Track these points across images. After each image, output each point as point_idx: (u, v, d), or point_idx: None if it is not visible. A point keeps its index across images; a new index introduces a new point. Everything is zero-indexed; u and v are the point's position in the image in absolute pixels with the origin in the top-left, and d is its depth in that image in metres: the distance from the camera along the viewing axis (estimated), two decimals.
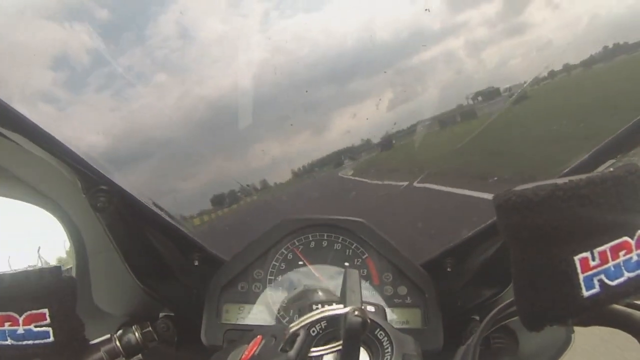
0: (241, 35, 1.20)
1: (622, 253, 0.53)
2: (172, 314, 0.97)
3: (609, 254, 0.53)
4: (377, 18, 1.20)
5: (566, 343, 0.93)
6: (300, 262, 0.99)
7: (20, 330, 0.71)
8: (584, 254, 0.53)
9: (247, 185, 1.25)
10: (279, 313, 0.95)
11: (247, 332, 0.81)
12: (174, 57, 1.18)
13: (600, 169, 0.79)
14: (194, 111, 1.21)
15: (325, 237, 1.01)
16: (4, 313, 0.70)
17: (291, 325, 0.62)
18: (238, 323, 0.94)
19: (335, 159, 1.39)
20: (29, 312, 0.71)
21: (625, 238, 0.53)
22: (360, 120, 1.27)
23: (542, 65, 1.19)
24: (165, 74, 1.20)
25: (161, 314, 0.96)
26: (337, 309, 0.62)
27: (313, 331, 0.65)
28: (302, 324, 0.62)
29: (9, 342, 0.70)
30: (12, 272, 0.72)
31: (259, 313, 0.95)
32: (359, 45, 1.24)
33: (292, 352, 0.59)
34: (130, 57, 1.17)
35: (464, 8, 1.23)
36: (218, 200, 1.28)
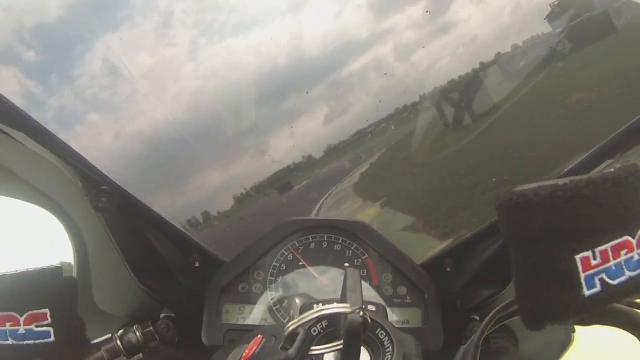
0: (171, 65, 1.21)
1: (623, 252, 0.53)
2: (173, 315, 0.97)
3: (610, 253, 0.53)
4: (305, 34, 1.21)
5: (566, 343, 0.93)
6: (301, 263, 0.99)
7: (21, 330, 0.71)
8: (585, 253, 0.53)
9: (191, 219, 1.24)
10: (279, 313, 0.95)
11: (248, 332, 0.82)
12: (104, 95, 1.19)
13: (599, 168, 0.79)
14: (130, 149, 1.21)
15: (325, 238, 1.01)
16: (5, 313, 0.70)
17: (291, 322, 0.62)
18: (238, 323, 0.94)
19: (281, 180, 1.38)
20: (30, 312, 0.71)
21: (627, 237, 0.53)
22: (298, 138, 1.28)
23: (470, 62, 1.21)
24: (97, 113, 1.20)
25: (162, 314, 0.96)
26: (337, 307, 0.62)
27: (314, 330, 0.66)
28: (302, 321, 0.62)
29: (9, 341, 0.71)
30: (13, 272, 0.72)
31: (259, 313, 0.96)
32: (289, 63, 1.25)
33: (292, 350, 0.59)
34: (60, 97, 1.17)
35: (389, 13, 1.24)
36: None
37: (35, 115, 0.70)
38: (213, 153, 1.24)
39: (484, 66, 1.21)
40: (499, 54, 1.24)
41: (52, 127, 0.73)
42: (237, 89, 1.24)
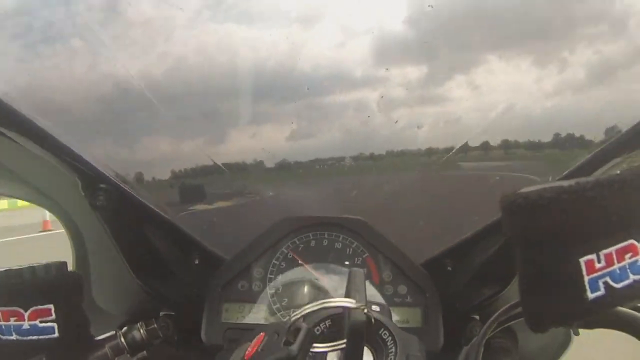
0: (167, 25, 1.20)
1: (628, 256, 0.53)
2: (172, 313, 0.97)
3: (614, 256, 0.53)
4: (304, 48, 1.20)
5: (565, 343, 0.93)
6: (300, 261, 0.99)
7: (26, 325, 0.71)
8: (590, 256, 0.53)
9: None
10: (279, 312, 0.95)
11: (249, 331, 0.81)
12: (94, 27, 1.17)
13: (604, 169, 0.79)
14: (99, 86, 1.20)
15: (326, 236, 1.01)
16: (9, 308, 0.70)
17: (293, 314, 0.62)
18: (238, 322, 0.94)
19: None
20: (34, 308, 0.71)
21: (632, 241, 0.53)
22: (258, 141, 1.28)
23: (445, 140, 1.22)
24: (81, 41, 1.19)
25: (161, 313, 0.96)
26: (341, 301, 0.62)
27: (317, 330, 0.65)
28: (305, 312, 0.62)
29: (14, 337, 0.71)
30: (18, 267, 0.72)
31: (259, 312, 0.95)
32: (278, 68, 1.24)
33: (294, 346, 0.59)
34: (54, 13, 1.17)
35: (389, 64, 1.23)
36: None
37: (22, 20, 0.68)
38: (167, 120, 1.24)
39: (456, 150, 1.22)
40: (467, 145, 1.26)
41: (34, 37, 0.71)
42: (219, 72, 1.23)
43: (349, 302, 0.60)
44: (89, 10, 1.17)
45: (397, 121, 1.23)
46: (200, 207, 1.25)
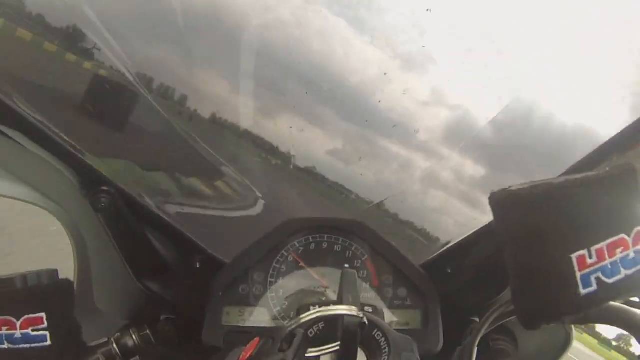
0: None
1: (619, 250, 0.53)
2: (173, 317, 0.97)
3: (606, 251, 0.53)
4: (353, 60, 1.22)
5: (565, 343, 0.93)
6: (301, 264, 0.99)
7: (18, 334, 0.71)
8: (581, 252, 0.53)
9: None
10: (279, 315, 0.95)
11: (247, 334, 0.82)
12: None
13: (602, 166, 0.79)
14: None
15: (326, 239, 1.01)
16: (1, 317, 0.70)
17: (288, 324, 0.62)
18: (239, 325, 0.94)
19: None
20: (26, 316, 0.71)
21: (622, 235, 0.53)
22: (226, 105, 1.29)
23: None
24: None
25: (162, 316, 0.96)
26: (334, 309, 0.62)
27: (311, 332, 0.66)
28: (299, 323, 0.63)
29: (5, 346, 0.70)
30: (8, 276, 0.72)
31: (259, 315, 0.96)
32: (322, 60, 1.26)
33: (289, 352, 0.60)
34: None
35: (450, 146, 1.26)
36: None
37: None
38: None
39: None
40: None
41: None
42: (227, 32, 1.24)
43: (344, 310, 0.61)
44: None
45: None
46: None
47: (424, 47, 1.18)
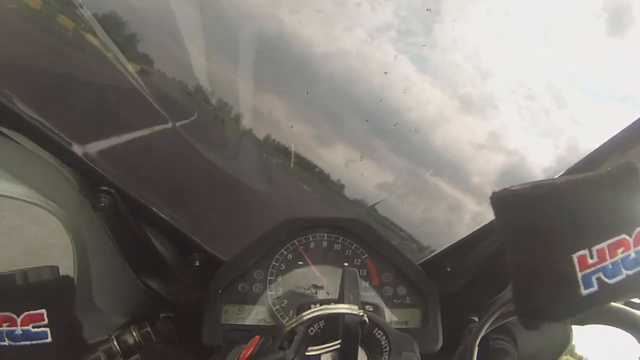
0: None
1: (620, 251, 0.53)
2: (173, 315, 0.97)
3: (607, 251, 0.53)
4: (413, 97, 1.22)
5: (565, 343, 0.93)
6: (300, 263, 0.99)
7: (19, 330, 0.71)
8: (582, 252, 0.53)
9: None
10: (278, 313, 0.95)
11: (246, 332, 0.82)
12: None
13: (605, 166, 0.78)
14: None
15: (325, 238, 1.01)
16: (2, 314, 0.70)
17: (288, 323, 0.62)
18: (238, 324, 0.94)
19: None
20: (27, 313, 0.71)
21: (624, 236, 0.53)
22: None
23: None
24: None
25: (162, 314, 0.96)
26: (335, 308, 0.62)
27: (311, 330, 0.66)
28: (300, 321, 0.63)
29: (6, 342, 0.71)
30: (9, 272, 0.72)
31: (259, 313, 0.95)
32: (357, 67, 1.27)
33: (289, 350, 0.59)
34: None
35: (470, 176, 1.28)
36: None
37: None
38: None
39: None
40: None
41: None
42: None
43: (344, 309, 0.61)
44: None
45: None
46: None
47: (484, 91, 1.18)
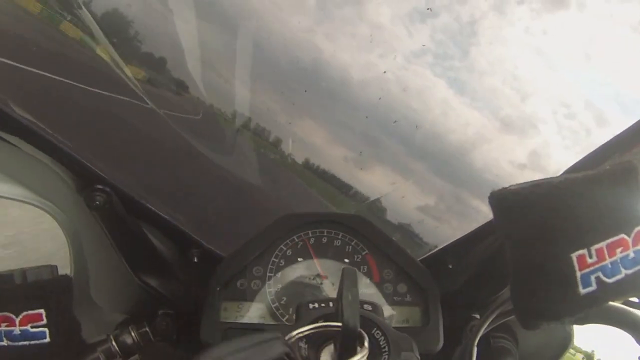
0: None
1: (619, 250, 0.53)
2: (171, 312, 0.97)
3: (606, 251, 0.53)
4: (452, 120, 1.21)
5: (566, 342, 0.92)
6: (300, 259, 0.99)
7: (17, 331, 0.71)
8: (581, 252, 0.53)
9: None
10: (277, 311, 0.94)
11: (245, 330, 0.82)
12: None
13: (605, 165, 0.78)
14: None
15: (325, 234, 1.01)
16: (0, 314, 0.70)
17: (287, 336, 0.62)
18: (237, 321, 0.93)
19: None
20: (25, 313, 0.71)
21: (622, 235, 0.53)
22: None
23: None
24: None
25: (160, 311, 0.96)
26: (334, 325, 0.62)
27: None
28: (299, 335, 0.63)
29: (5, 342, 0.70)
30: (7, 271, 0.72)
31: (257, 311, 0.95)
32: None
33: None
34: None
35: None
36: None
37: None
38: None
39: None
40: None
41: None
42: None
43: (337, 327, 0.61)
44: None
45: None
46: None
47: (524, 112, 1.17)
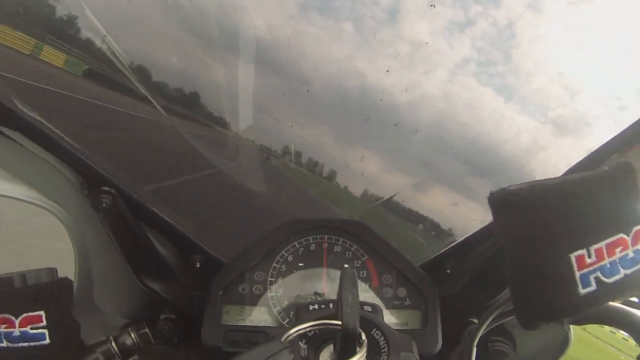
0: (430, 60, 1.21)
1: (618, 250, 0.54)
2: (173, 316, 0.97)
3: (605, 251, 0.54)
4: (504, 129, 1.21)
5: (564, 344, 0.93)
6: (301, 264, 0.99)
7: (16, 332, 0.71)
8: (580, 252, 0.54)
9: None
10: (279, 314, 0.95)
11: (247, 333, 0.82)
12: (369, 19, 1.19)
13: (604, 166, 0.79)
14: (345, 79, 1.22)
15: (326, 239, 1.02)
16: (0, 315, 0.70)
17: (286, 335, 0.63)
18: (238, 324, 0.94)
19: None
20: (25, 315, 0.71)
21: (621, 235, 0.54)
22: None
23: None
24: (352, 27, 1.22)
25: (162, 315, 0.96)
26: (333, 323, 0.63)
27: (310, 331, 0.66)
28: (297, 333, 0.63)
29: (4, 344, 0.71)
30: (7, 274, 0.72)
31: (259, 314, 0.95)
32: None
33: None
34: None
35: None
36: None
37: None
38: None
39: None
40: None
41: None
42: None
43: (337, 325, 0.62)
44: (373, 4, 1.19)
45: None
46: None
47: (576, 110, 1.16)
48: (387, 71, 1.14)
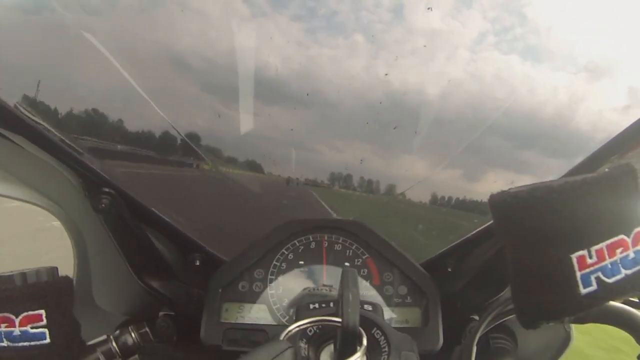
0: (449, 42, 1.18)
1: (618, 250, 0.54)
2: (172, 313, 0.97)
3: (605, 252, 0.54)
4: (584, 102, 1.17)
5: (565, 342, 0.93)
6: (301, 262, 1.00)
7: (17, 331, 0.71)
8: (581, 252, 0.54)
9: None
10: (278, 312, 0.95)
11: (246, 331, 0.82)
12: (377, 27, 1.17)
13: (604, 167, 0.78)
14: (368, 90, 1.20)
15: (326, 238, 1.02)
16: (0, 315, 0.70)
17: (284, 332, 0.63)
18: (238, 322, 0.94)
19: None
20: (25, 314, 0.71)
21: (622, 236, 0.54)
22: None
23: None
24: (362, 38, 1.19)
25: (161, 313, 0.97)
26: (332, 320, 0.63)
27: (310, 330, 0.66)
28: (296, 329, 0.64)
29: (5, 343, 0.70)
30: (8, 273, 0.72)
31: (259, 312, 0.95)
32: (555, 117, 1.22)
33: None
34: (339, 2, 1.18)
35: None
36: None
37: None
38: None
39: None
40: None
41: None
42: (495, 105, 1.20)
43: (337, 322, 0.62)
44: (376, 7, 1.17)
45: None
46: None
47: (604, 51, 1.11)
48: (409, 69, 1.13)
